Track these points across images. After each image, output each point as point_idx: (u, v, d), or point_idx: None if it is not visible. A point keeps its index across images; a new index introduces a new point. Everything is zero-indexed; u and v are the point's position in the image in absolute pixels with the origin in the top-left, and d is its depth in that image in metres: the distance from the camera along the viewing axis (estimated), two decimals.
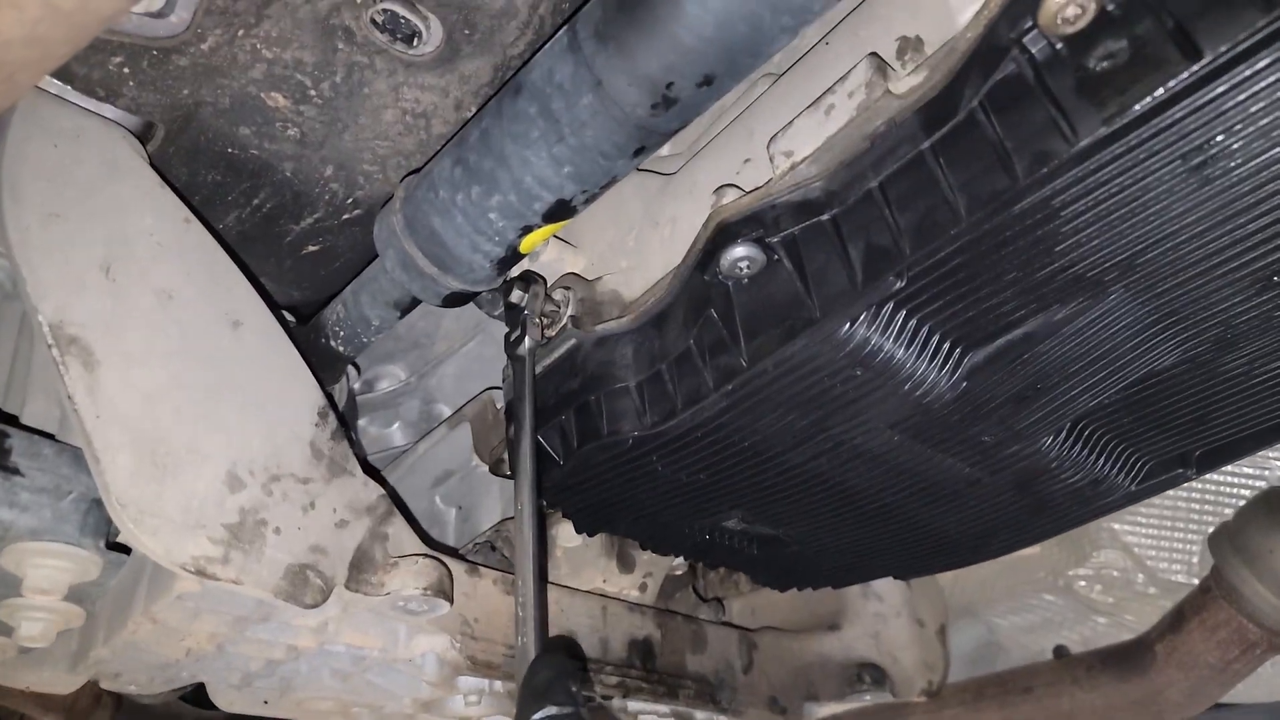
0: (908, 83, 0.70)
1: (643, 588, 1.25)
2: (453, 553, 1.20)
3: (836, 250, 0.73)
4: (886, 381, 0.78)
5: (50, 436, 0.80)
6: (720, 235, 0.78)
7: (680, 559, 1.26)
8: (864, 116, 0.72)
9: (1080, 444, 0.93)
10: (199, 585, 0.77)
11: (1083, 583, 1.64)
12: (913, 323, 0.75)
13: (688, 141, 1.00)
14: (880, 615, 1.34)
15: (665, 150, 0.99)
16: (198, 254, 0.85)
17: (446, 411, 1.46)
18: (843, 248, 0.73)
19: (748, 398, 0.80)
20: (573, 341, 0.91)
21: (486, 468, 1.39)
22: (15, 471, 0.73)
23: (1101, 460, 0.94)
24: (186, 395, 0.78)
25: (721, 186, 0.82)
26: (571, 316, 0.91)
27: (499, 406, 1.22)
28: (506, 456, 1.10)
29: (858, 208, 0.72)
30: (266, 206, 1.04)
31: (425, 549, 0.98)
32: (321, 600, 0.82)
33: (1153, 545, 1.55)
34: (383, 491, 0.95)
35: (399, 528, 0.96)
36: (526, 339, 0.89)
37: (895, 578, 1.24)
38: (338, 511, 0.88)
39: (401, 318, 0.97)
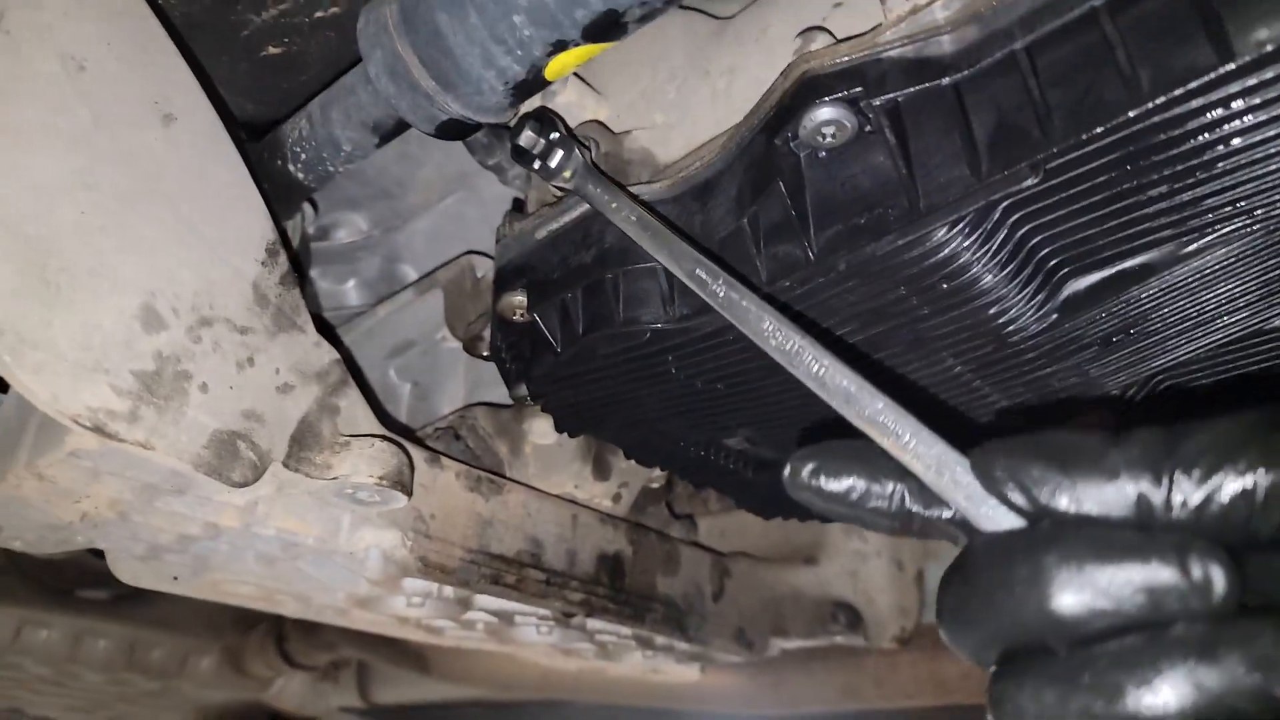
0: None
1: (616, 498, 1.12)
2: (409, 435, 1.06)
3: (956, 126, 0.57)
4: (970, 302, 0.65)
5: None
6: (804, 90, 0.61)
7: (661, 471, 1.14)
8: None
9: (1151, 400, 0.81)
10: (97, 443, 0.61)
11: None
12: (1020, 233, 0.60)
13: None
14: (860, 553, 1.25)
15: None
16: (125, 20, 0.65)
17: (412, 274, 1.28)
18: (965, 124, 0.57)
19: (803, 299, 0.66)
20: (585, 206, 0.74)
21: (455, 344, 1.23)
22: None
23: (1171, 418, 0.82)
24: (93, 198, 0.60)
25: (809, 29, 0.65)
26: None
27: (480, 275, 1.05)
28: (486, 334, 0.95)
29: (992, 74, 0.56)
30: None
31: (381, 429, 0.83)
32: (253, 478, 0.67)
33: None
34: (337, 356, 0.79)
35: (353, 401, 0.80)
36: (575, 152, 0.71)
37: None
38: (281, 373, 0.72)
39: (380, 145, 0.78)
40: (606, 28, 0.61)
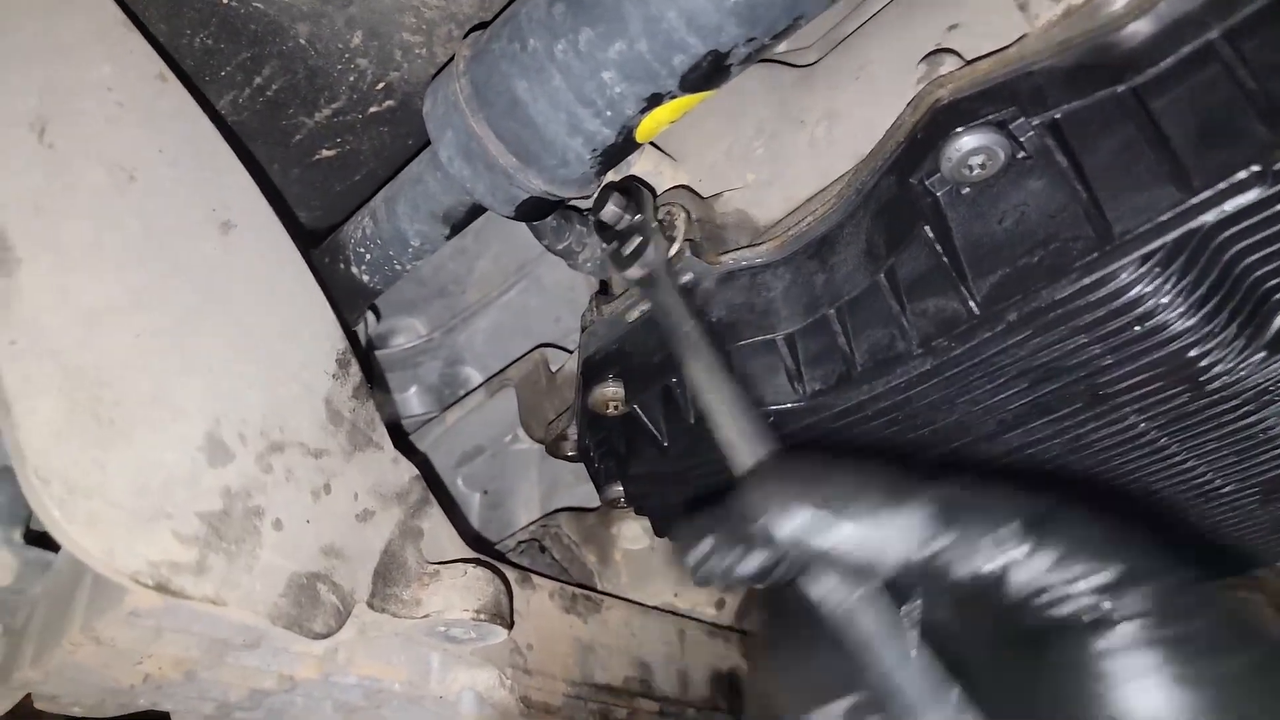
0: None
1: (720, 604, 1.01)
2: (489, 550, 0.96)
3: (1144, 136, 0.48)
4: (1165, 344, 0.54)
5: None
6: (942, 119, 0.53)
7: None
8: None
9: None
10: (161, 601, 0.52)
11: None
12: (1230, 253, 0.50)
13: (819, 33, 0.75)
14: None
15: (782, 46, 0.74)
16: (175, 123, 0.60)
17: (475, 376, 1.20)
18: (1156, 132, 0.48)
19: (962, 359, 0.56)
20: (689, 276, 0.66)
21: (526, 445, 1.14)
22: None
23: None
24: (149, 318, 0.53)
25: (935, 53, 0.57)
26: (689, 241, 0.66)
27: (555, 369, 0.97)
28: (571, 432, 0.86)
29: (1183, 71, 0.48)
30: (272, 88, 0.78)
31: (467, 550, 0.74)
32: (336, 627, 0.57)
33: None
34: (416, 471, 0.70)
35: (436, 522, 0.71)
36: (652, 247, 0.63)
37: None
38: (360, 498, 0.63)
39: (450, 237, 0.71)
40: (709, 74, 0.54)
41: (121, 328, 0.51)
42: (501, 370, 1.02)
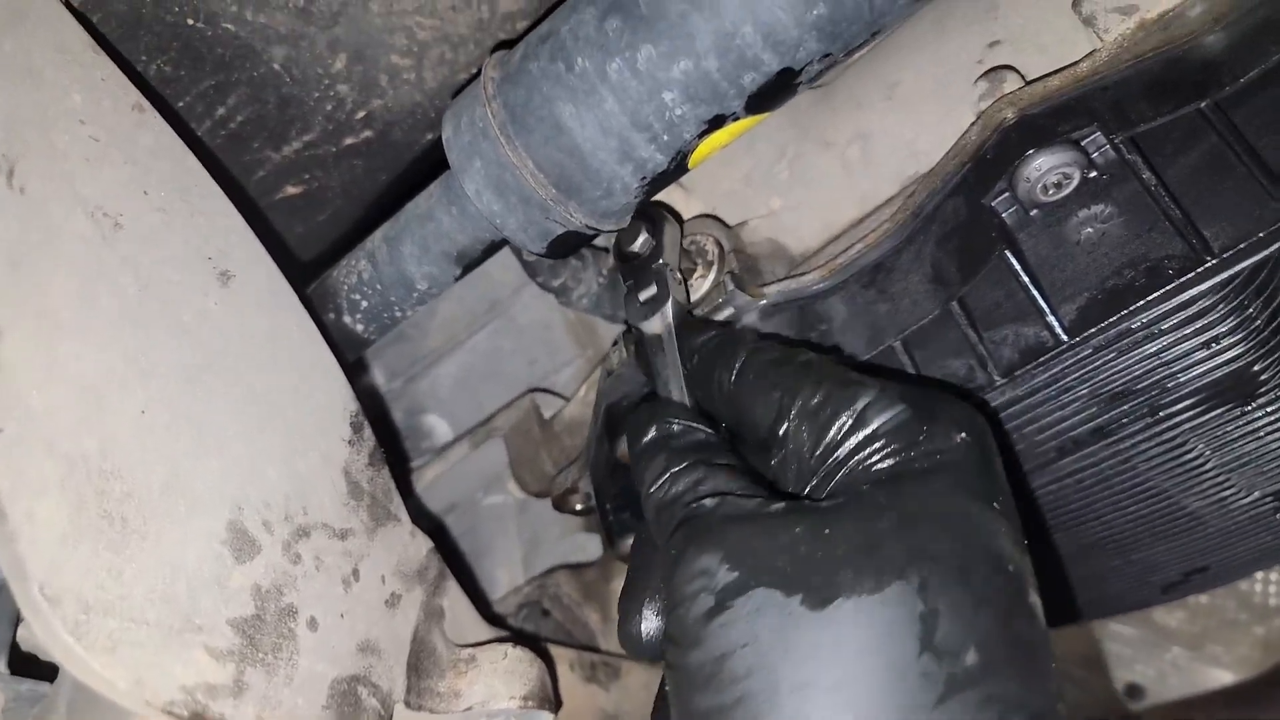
0: None
1: None
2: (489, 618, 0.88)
3: (1231, 149, 0.47)
4: (1241, 359, 0.54)
5: None
6: (1016, 137, 0.51)
7: None
8: None
9: None
10: None
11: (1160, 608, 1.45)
12: None
13: None
14: None
15: None
16: (157, 161, 0.51)
17: (440, 425, 1.12)
18: (1243, 145, 0.47)
19: (1044, 386, 0.53)
20: (730, 311, 0.61)
21: (500, 499, 1.07)
22: None
23: None
24: (154, 388, 0.44)
25: (996, 70, 0.55)
26: (729, 273, 0.61)
27: (548, 416, 0.90)
28: (583, 485, 0.79)
29: (1266, 84, 0.47)
30: (237, 119, 0.70)
31: (487, 626, 0.66)
32: None
33: None
34: (431, 544, 0.63)
35: (455, 598, 0.64)
36: (670, 302, 0.59)
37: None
38: (386, 581, 0.55)
39: (460, 277, 0.65)
40: (775, 94, 0.50)
41: (124, 404, 0.43)
42: (487, 420, 0.94)
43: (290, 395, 0.52)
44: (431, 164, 0.79)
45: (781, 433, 0.44)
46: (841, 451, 0.42)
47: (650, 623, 0.49)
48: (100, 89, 0.50)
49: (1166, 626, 1.46)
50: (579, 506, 0.81)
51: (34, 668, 0.43)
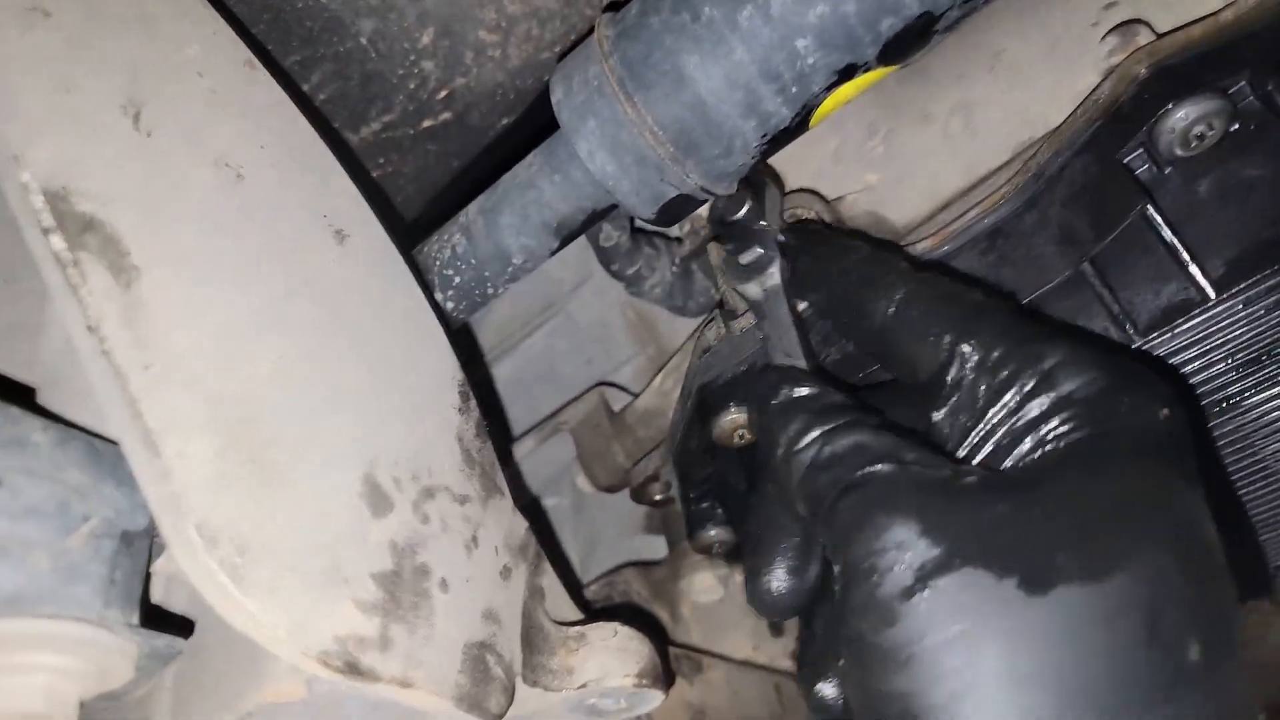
0: None
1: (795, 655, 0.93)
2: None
3: None
4: None
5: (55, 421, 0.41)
6: (1158, 87, 0.50)
7: None
8: None
9: None
10: (304, 690, 0.41)
11: None
12: None
13: None
14: None
15: None
16: (270, 118, 0.50)
17: None
18: None
19: (1182, 350, 0.52)
20: None
21: (554, 501, 1.05)
22: None
23: None
24: (285, 340, 0.43)
25: (1127, 24, 0.54)
26: None
27: (616, 409, 0.88)
28: (664, 473, 0.77)
29: None
30: (319, 97, 0.69)
31: (579, 610, 0.64)
32: (508, 705, 0.47)
33: None
34: (527, 524, 0.61)
35: (552, 580, 0.61)
36: (777, 262, 0.57)
37: None
38: (499, 553, 0.53)
39: (557, 250, 0.63)
40: (910, 42, 0.49)
41: (259, 352, 0.41)
42: (554, 413, 0.92)
43: (405, 358, 0.50)
44: (504, 153, 0.78)
45: (950, 381, 0.41)
46: (1028, 415, 0.38)
47: (782, 581, 0.46)
48: (214, 43, 0.49)
49: None
50: (658, 496, 0.79)
51: (163, 624, 0.40)
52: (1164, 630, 0.34)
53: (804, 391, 0.47)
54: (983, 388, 0.40)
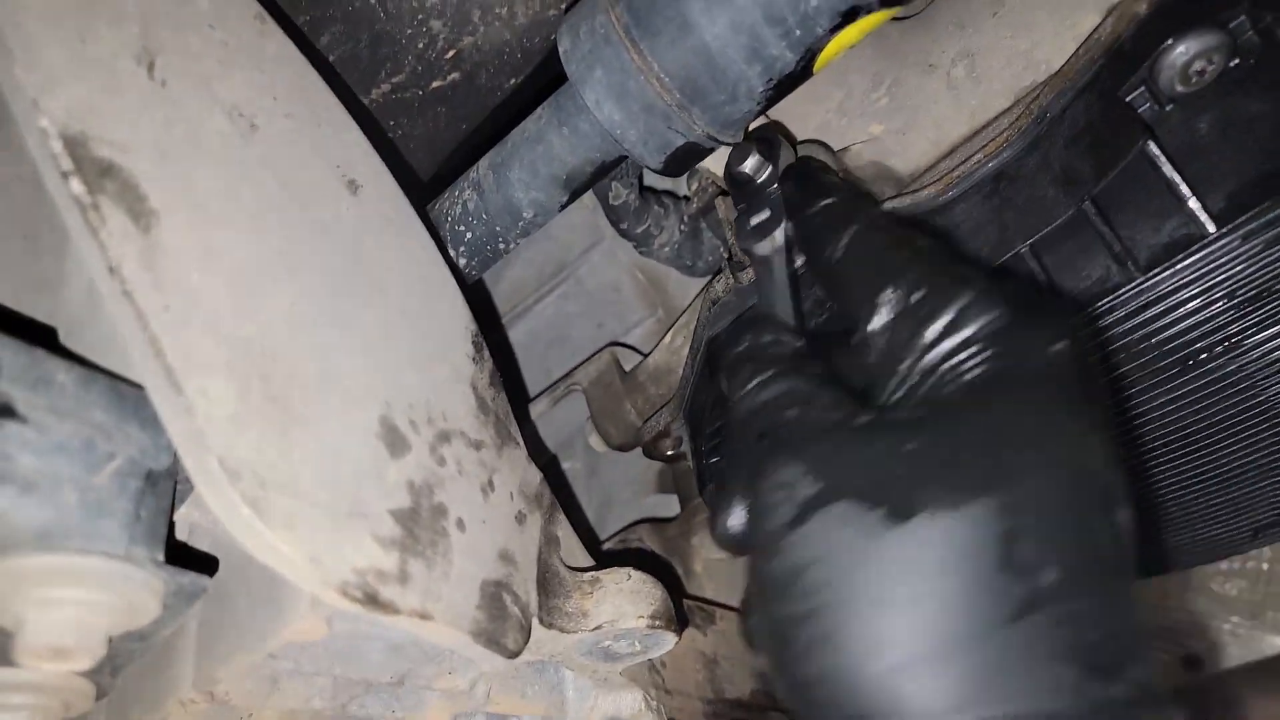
0: None
1: None
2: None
3: None
4: None
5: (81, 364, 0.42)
6: (1159, 24, 0.50)
7: None
8: None
9: None
10: (326, 627, 0.42)
11: (1219, 576, 1.43)
12: None
13: None
14: None
15: None
16: (281, 70, 0.51)
17: None
18: None
19: (1184, 288, 0.52)
20: None
21: (568, 464, 1.06)
22: (8, 413, 0.36)
23: None
24: (301, 284, 0.44)
25: None
26: None
27: (628, 369, 0.89)
28: (675, 429, 0.78)
29: None
30: (331, 56, 0.69)
31: (592, 559, 0.65)
32: (525, 642, 0.49)
33: None
34: (541, 474, 0.62)
35: (566, 529, 0.62)
36: (783, 225, 0.58)
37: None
38: (514, 499, 0.54)
39: (566, 205, 0.64)
40: None
41: (276, 294, 0.42)
42: (566, 375, 0.93)
43: (418, 305, 0.51)
44: (512, 115, 0.79)
45: (870, 327, 0.42)
46: (935, 355, 0.40)
47: (738, 518, 0.48)
48: None
49: (1226, 596, 1.44)
50: (670, 451, 0.80)
51: (188, 563, 0.42)
52: (1020, 556, 0.34)
53: (762, 339, 0.48)
54: (905, 331, 0.41)
